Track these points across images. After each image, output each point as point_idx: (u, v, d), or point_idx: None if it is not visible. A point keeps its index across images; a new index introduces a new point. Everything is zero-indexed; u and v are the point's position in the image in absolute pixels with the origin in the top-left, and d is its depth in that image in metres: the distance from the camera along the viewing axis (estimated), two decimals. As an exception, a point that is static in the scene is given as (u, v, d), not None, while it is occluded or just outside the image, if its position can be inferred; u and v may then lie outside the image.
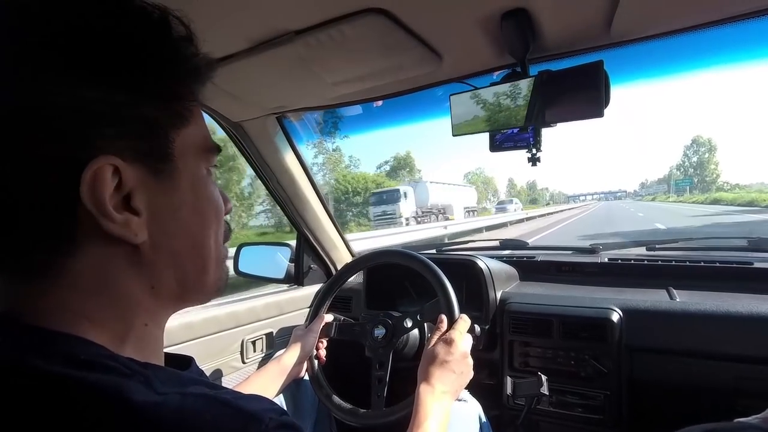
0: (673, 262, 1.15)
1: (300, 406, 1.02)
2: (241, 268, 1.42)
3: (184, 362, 0.44)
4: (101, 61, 0.31)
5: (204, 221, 0.40)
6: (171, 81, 0.36)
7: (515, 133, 0.84)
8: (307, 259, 1.45)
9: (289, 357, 0.93)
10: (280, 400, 0.95)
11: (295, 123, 1.29)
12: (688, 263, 1.13)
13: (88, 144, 0.31)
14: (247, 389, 0.85)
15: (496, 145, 0.87)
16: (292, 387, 1.00)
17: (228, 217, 0.45)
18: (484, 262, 1.14)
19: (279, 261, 1.45)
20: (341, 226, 1.48)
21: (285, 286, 1.45)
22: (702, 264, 1.12)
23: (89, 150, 0.31)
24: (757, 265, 1.07)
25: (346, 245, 1.49)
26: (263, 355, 1.24)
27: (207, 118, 0.44)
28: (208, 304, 1.19)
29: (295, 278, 1.44)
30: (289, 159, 1.24)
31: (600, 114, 0.67)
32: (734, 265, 1.08)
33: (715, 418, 0.94)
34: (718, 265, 1.10)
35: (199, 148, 0.39)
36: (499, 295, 1.13)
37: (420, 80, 0.94)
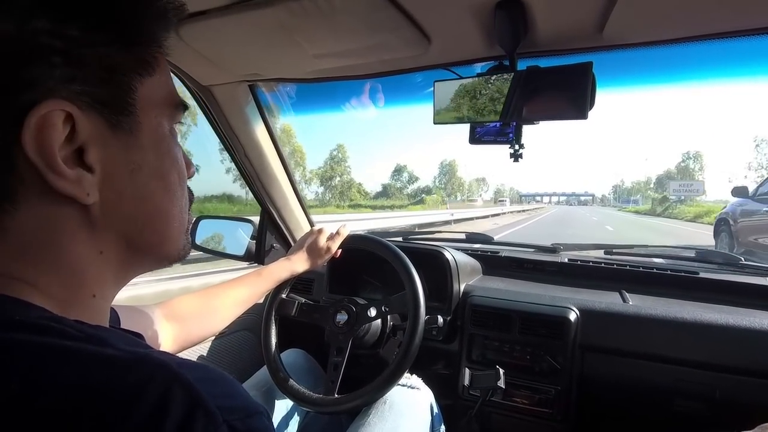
0: (628, 267, 1.20)
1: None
2: (199, 242, 1.35)
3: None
4: None
5: (167, 185, 0.36)
6: (134, 21, 0.31)
7: (497, 127, 0.83)
8: (270, 237, 1.40)
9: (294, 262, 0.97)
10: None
11: (268, 94, 1.23)
12: (641, 269, 1.18)
13: (34, 84, 0.26)
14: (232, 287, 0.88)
15: (476, 138, 0.86)
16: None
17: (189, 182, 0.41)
18: (450, 254, 1.14)
19: (240, 237, 1.39)
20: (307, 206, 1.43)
21: (245, 264, 1.39)
22: (654, 270, 1.17)
23: (36, 91, 0.26)
24: (702, 275, 1.13)
25: (312, 226, 1.45)
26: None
27: (175, 81, 0.39)
28: (160, 278, 1.14)
29: (256, 256, 1.38)
30: (259, 131, 1.18)
31: (584, 116, 0.67)
32: (682, 274, 1.14)
33: (654, 415, 1.01)
34: (668, 273, 1.15)
35: (164, 103, 0.35)
36: (462, 287, 1.14)
37: (405, 63, 0.90)
